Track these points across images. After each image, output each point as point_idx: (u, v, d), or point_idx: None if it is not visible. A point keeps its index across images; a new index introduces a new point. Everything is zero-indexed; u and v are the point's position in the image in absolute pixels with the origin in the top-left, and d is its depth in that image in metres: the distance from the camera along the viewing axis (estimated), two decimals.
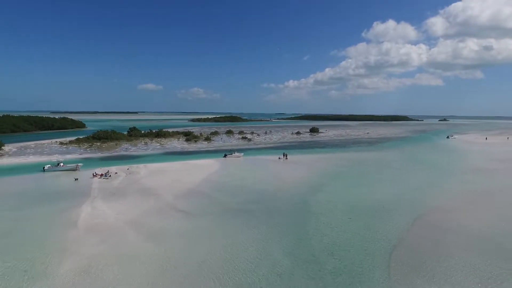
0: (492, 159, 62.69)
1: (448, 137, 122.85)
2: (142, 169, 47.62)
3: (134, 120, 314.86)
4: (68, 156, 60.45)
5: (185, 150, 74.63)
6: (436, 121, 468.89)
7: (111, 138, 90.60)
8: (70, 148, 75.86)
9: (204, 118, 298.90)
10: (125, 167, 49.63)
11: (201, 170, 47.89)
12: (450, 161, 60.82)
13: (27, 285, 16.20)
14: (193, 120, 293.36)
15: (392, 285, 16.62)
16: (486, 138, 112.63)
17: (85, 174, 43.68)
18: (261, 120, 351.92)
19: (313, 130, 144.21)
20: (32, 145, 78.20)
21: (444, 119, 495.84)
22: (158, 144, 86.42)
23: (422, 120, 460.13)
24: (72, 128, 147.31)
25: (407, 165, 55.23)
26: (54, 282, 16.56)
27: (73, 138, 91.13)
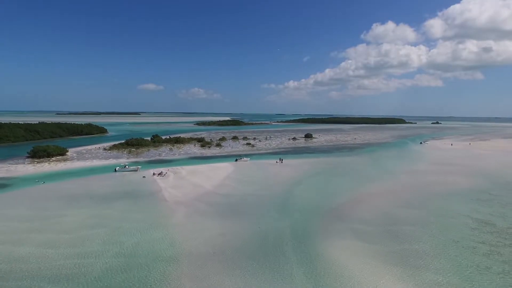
0: (435, 163, 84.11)
1: (421, 142, 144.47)
2: (181, 170, 68.99)
3: (142, 123, 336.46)
4: (121, 160, 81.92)
5: (204, 155, 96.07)
6: (429, 123, 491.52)
7: (141, 145, 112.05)
8: (114, 153, 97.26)
9: (209, 122, 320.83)
10: (166, 169, 70.84)
11: (222, 170, 69.33)
12: (402, 164, 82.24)
13: (161, 221, 37.73)
14: (198, 123, 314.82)
15: (322, 223, 38.08)
16: (452, 144, 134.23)
17: (145, 174, 65.03)
18: (262, 123, 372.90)
19: (308, 136, 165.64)
20: (83, 151, 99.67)
21: (437, 122, 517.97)
22: (181, 149, 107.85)
23: (416, 123, 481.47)
24: (97, 133, 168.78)
25: (366, 167, 76.72)
26: (173, 219, 38.09)
27: (110, 144, 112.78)
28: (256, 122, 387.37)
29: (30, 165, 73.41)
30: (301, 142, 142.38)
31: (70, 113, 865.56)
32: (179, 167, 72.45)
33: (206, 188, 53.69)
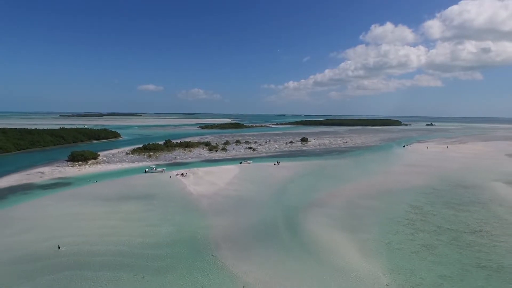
0: (407, 165, 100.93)
1: (404, 146, 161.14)
2: (198, 171, 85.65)
3: (148, 126, 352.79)
4: (145, 163, 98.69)
5: (213, 158, 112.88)
6: (424, 124, 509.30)
7: (157, 149, 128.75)
8: (136, 156, 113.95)
9: (211, 125, 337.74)
10: (186, 170, 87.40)
11: (230, 171, 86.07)
12: (379, 166, 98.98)
13: (193, 207, 54.57)
14: (201, 126, 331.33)
15: (306, 209, 54.90)
16: (427, 147, 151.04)
17: (170, 174, 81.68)
18: (261, 125, 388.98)
19: (303, 140, 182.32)
20: (110, 154, 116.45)
21: (431, 123, 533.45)
22: (192, 153, 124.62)
23: (410, 125, 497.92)
24: (112, 138, 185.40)
25: (348, 169, 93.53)
26: (201, 206, 54.95)
27: (130, 148, 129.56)
28: (256, 124, 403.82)
29: (74, 167, 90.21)
30: (297, 146, 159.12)
31: (72, 115, 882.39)
32: (195, 169, 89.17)
33: (220, 185, 70.53)
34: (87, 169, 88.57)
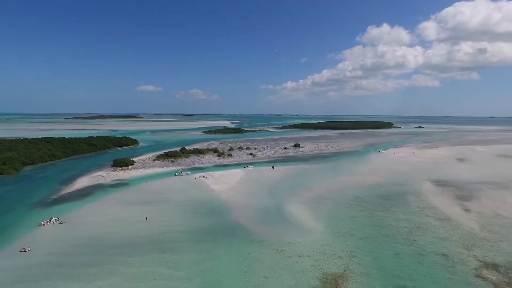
0: (371, 168, 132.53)
1: (379, 151, 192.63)
2: (214, 174, 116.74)
3: (156, 130, 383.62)
4: (172, 168, 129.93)
5: (222, 163, 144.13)
6: (413, 127, 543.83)
7: (176, 156, 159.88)
8: (161, 162, 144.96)
9: (214, 130, 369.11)
10: (205, 173, 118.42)
11: (237, 174, 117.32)
12: (349, 169, 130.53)
13: (216, 198, 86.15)
14: (205, 131, 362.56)
15: (289, 198, 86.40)
16: (394, 153, 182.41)
17: (194, 176, 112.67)
18: (260, 130, 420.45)
19: (296, 145, 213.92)
20: (141, 161, 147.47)
21: (420, 126, 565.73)
22: (204, 159, 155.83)
23: (401, 127, 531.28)
24: (132, 144, 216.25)
25: (325, 172, 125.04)
26: (221, 197, 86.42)
27: (154, 155, 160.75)
28: (255, 129, 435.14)
29: (121, 171, 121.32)
30: (290, 152, 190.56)
31: (75, 117, 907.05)
32: (211, 172, 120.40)
33: (231, 184, 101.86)
34: (131, 173, 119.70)
